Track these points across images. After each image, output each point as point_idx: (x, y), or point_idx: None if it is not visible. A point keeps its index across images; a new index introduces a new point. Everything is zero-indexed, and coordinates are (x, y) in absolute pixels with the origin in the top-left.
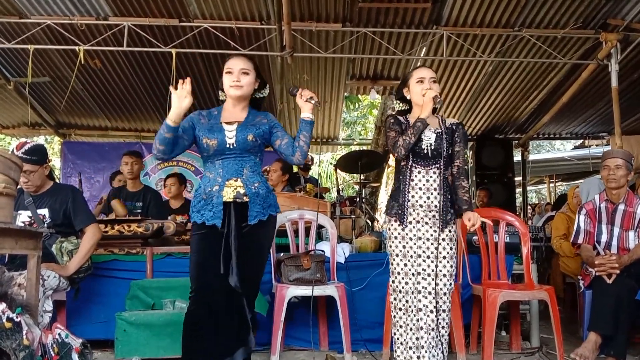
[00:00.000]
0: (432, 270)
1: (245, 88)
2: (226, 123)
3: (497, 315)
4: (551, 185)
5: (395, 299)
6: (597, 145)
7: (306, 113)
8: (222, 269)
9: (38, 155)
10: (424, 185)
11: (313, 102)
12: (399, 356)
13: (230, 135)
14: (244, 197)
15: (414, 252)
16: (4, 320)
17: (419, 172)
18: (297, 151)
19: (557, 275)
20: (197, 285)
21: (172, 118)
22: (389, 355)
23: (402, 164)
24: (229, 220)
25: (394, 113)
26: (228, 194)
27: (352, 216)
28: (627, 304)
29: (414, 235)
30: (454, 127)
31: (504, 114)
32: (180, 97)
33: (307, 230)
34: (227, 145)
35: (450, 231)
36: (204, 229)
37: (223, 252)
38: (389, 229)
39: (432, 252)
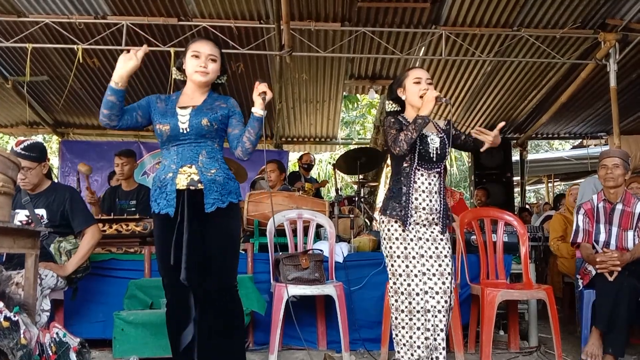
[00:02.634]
0: (437, 270)
1: (210, 75)
2: (180, 107)
3: (495, 314)
4: (549, 185)
5: (397, 300)
6: (595, 145)
7: (256, 108)
8: (171, 260)
9: (37, 152)
10: (426, 188)
11: (262, 97)
12: (402, 357)
13: (184, 119)
14: (199, 185)
15: (417, 253)
16: (2, 320)
17: (422, 175)
18: (238, 146)
19: (556, 274)
20: (164, 279)
21: (113, 79)
22: (387, 354)
23: (405, 165)
24: (182, 208)
25: (389, 113)
26: (181, 182)
27: (351, 215)
28: (628, 302)
29: (414, 236)
30: (447, 125)
31: (502, 113)
32: (127, 59)
33: (306, 230)
34: (181, 130)
35: (445, 233)
36: (160, 219)
37: (174, 243)
38: (388, 230)
39: (433, 252)
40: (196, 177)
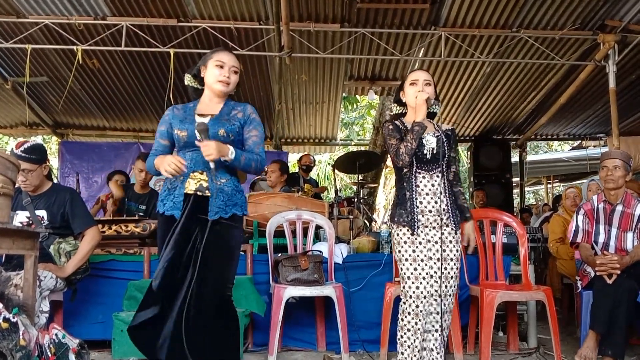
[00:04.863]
0: (442, 273)
1: (231, 86)
2: (199, 115)
3: (494, 315)
4: (549, 186)
5: (404, 303)
6: (594, 146)
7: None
8: (160, 258)
9: (37, 154)
10: (430, 190)
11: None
12: (405, 359)
13: None
14: (206, 191)
15: (425, 255)
16: (1, 321)
17: (424, 177)
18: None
19: (555, 275)
20: (156, 278)
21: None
22: (386, 355)
23: (406, 170)
24: (187, 211)
25: (390, 117)
26: (190, 186)
27: (350, 216)
28: (627, 304)
29: (423, 238)
30: (449, 132)
31: (501, 114)
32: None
33: (305, 231)
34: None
35: (457, 233)
36: (164, 220)
37: (168, 242)
38: (397, 235)
39: (441, 255)
40: (205, 184)
